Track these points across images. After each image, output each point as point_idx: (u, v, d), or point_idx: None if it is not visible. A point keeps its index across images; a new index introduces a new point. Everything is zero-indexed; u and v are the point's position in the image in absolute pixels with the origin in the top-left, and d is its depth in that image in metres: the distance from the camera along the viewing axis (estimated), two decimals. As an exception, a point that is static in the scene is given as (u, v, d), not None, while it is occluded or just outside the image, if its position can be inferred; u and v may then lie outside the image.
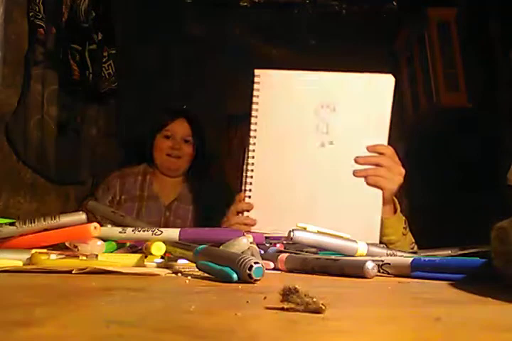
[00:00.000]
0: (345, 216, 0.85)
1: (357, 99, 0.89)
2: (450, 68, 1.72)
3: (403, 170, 0.90)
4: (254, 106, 0.89)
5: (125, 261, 0.48)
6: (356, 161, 0.88)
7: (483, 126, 1.64)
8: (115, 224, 0.66)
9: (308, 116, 0.89)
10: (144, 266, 0.48)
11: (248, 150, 0.88)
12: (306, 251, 0.60)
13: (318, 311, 0.25)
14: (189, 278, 0.42)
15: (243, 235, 0.52)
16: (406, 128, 2.01)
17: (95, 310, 0.27)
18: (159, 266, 0.49)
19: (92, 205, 0.81)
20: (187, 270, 0.47)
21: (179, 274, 0.45)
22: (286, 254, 0.53)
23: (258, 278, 0.38)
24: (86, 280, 0.39)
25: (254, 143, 0.89)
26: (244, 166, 0.88)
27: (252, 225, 0.87)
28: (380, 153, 0.88)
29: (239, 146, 0.95)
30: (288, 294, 0.26)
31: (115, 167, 1.56)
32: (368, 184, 0.88)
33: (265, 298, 0.30)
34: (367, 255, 0.54)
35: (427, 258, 0.47)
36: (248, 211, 0.88)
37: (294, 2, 2.03)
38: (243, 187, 0.88)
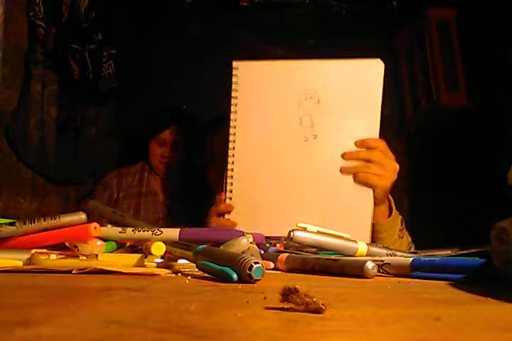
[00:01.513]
0: (331, 218, 0.79)
1: (343, 88, 0.81)
2: (450, 68, 1.73)
3: (397, 166, 0.82)
4: (233, 101, 0.83)
5: (125, 261, 0.48)
6: (344, 157, 0.80)
7: (484, 126, 1.64)
8: (115, 224, 0.66)
9: (292, 109, 0.82)
10: (144, 266, 0.48)
11: (228, 149, 0.83)
12: (306, 251, 0.60)
13: (318, 311, 0.25)
14: (189, 278, 0.42)
15: (243, 235, 0.52)
16: (406, 128, 2.01)
17: (95, 310, 0.27)
18: (159, 266, 0.49)
19: (92, 205, 0.81)
20: (187, 270, 0.47)
21: (179, 274, 0.45)
22: (286, 254, 0.53)
23: (258, 278, 0.38)
24: (86, 280, 0.39)
25: (234, 141, 0.83)
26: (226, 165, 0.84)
27: (233, 227, 0.82)
28: (371, 148, 0.80)
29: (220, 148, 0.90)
30: (288, 294, 0.26)
31: (115, 167, 1.57)
32: (357, 182, 0.80)
33: (265, 298, 0.30)
34: (367, 255, 0.54)
35: (427, 258, 0.47)
36: (229, 213, 0.83)
37: (294, 2, 2.03)
38: (224, 188, 0.84)
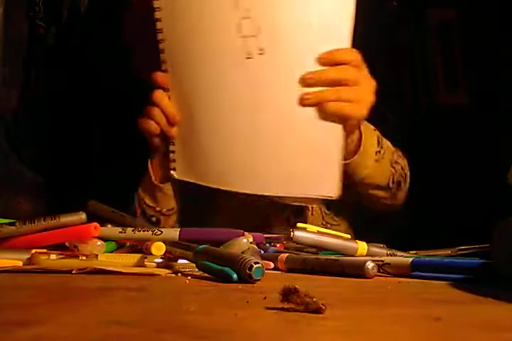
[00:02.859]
0: (287, 165, 0.62)
1: None
2: (450, 68, 1.73)
3: (374, 83, 0.63)
4: (157, 14, 0.62)
5: (125, 261, 0.48)
6: (305, 80, 0.58)
7: (484, 126, 1.64)
8: (115, 224, 0.66)
9: (225, 10, 0.58)
10: (144, 266, 0.48)
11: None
12: (306, 251, 0.60)
13: (318, 311, 0.25)
14: (189, 278, 0.42)
15: (243, 235, 0.52)
16: (405, 128, 2.00)
17: (95, 310, 0.27)
18: (159, 266, 0.49)
19: (91, 205, 0.81)
20: (187, 270, 0.47)
21: (179, 274, 0.45)
22: (286, 254, 0.53)
23: (258, 278, 0.38)
24: (86, 280, 0.39)
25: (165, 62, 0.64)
26: None
27: (173, 122, 0.65)
28: (341, 63, 0.59)
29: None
30: (288, 294, 0.26)
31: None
32: (326, 114, 0.59)
33: (265, 298, 0.30)
34: (367, 255, 0.54)
35: (427, 258, 0.47)
36: (166, 88, 0.64)
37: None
38: None
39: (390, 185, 0.80)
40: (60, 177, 1.14)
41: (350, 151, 0.69)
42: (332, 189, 0.65)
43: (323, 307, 0.25)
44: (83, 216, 0.51)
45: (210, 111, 0.64)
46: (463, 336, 0.22)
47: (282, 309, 0.26)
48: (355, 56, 0.61)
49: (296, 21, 0.59)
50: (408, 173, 0.84)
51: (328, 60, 0.59)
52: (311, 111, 0.61)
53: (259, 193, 0.68)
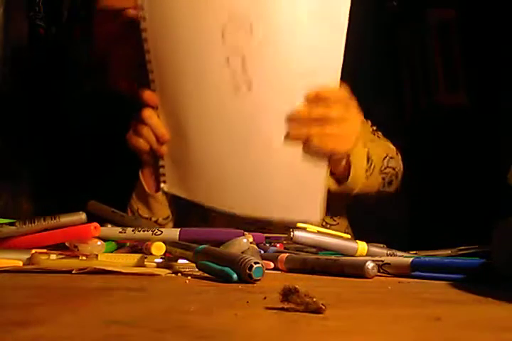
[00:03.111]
0: (269, 198, 0.65)
1: (289, 12, 0.57)
2: (450, 68, 1.73)
3: (360, 117, 0.65)
4: (144, 35, 0.63)
5: (125, 261, 0.48)
6: (291, 120, 0.60)
7: (484, 126, 1.64)
8: (115, 224, 0.66)
9: (213, 44, 0.58)
10: (144, 266, 0.48)
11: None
12: (306, 251, 0.60)
13: (318, 311, 0.25)
14: (189, 278, 0.42)
15: (243, 235, 0.52)
16: (405, 128, 2.00)
17: (95, 310, 0.27)
18: (159, 266, 0.49)
19: (91, 205, 0.81)
20: (187, 270, 0.47)
21: (179, 274, 0.45)
22: (286, 254, 0.53)
23: (258, 278, 0.38)
24: (86, 280, 0.39)
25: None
26: None
27: (163, 140, 0.68)
28: (328, 101, 0.61)
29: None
30: (288, 294, 0.26)
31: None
32: (311, 148, 0.61)
33: (265, 298, 0.30)
34: (367, 255, 0.54)
35: (427, 258, 0.47)
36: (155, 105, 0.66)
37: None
38: None
39: (381, 189, 0.81)
40: (60, 177, 1.14)
41: (339, 176, 0.72)
42: (314, 214, 0.67)
43: (323, 307, 0.25)
44: (83, 216, 0.51)
45: (198, 131, 0.65)
46: (463, 336, 0.22)
47: (282, 309, 0.26)
48: (342, 95, 0.62)
49: (284, 57, 0.59)
50: (401, 169, 0.84)
51: (314, 99, 0.61)
52: (295, 147, 0.63)
53: (247, 214, 0.70)
